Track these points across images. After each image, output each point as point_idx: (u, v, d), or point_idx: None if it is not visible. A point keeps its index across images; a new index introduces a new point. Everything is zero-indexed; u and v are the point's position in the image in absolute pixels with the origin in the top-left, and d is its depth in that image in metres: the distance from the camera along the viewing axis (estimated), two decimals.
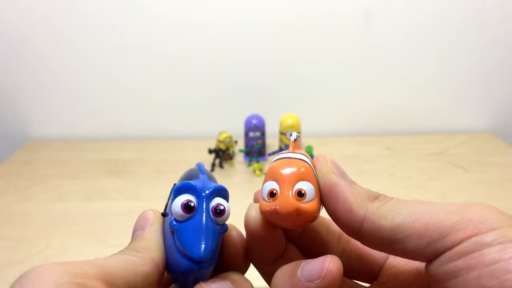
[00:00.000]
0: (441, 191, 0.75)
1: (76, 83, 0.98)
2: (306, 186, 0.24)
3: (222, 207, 0.24)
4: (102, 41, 0.94)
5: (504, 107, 1.00)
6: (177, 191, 0.24)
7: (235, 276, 0.24)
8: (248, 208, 0.25)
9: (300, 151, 0.26)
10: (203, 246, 0.23)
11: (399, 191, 0.74)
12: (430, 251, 0.21)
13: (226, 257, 0.26)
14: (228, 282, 0.24)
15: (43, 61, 0.96)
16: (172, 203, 0.24)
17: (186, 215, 0.23)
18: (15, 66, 0.96)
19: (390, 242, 0.22)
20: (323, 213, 0.25)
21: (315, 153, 0.88)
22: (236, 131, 0.94)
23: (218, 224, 0.24)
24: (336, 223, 0.25)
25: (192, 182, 0.24)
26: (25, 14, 0.92)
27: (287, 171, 0.24)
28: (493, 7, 0.92)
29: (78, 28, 0.93)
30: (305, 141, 0.95)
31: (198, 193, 0.24)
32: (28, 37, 0.94)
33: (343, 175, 0.25)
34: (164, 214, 0.26)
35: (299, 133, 0.86)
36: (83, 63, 0.96)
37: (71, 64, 0.96)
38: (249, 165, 0.85)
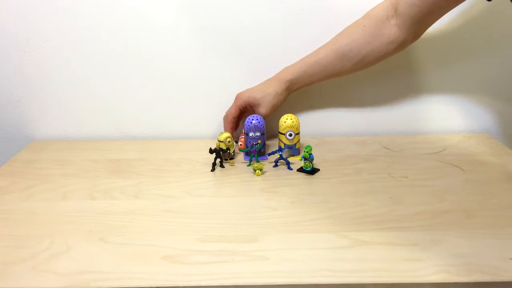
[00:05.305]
0: (437, 190, 0.76)
1: (79, 84, 0.99)
2: None
3: None
4: (104, 42, 0.96)
5: (499, 107, 1.02)
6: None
7: None
8: None
9: None
10: None
11: (396, 190, 0.75)
12: None
13: None
14: None
15: (47, 63, 0.97)
16: None
17: None
18: (19, 67, 0.98)
19: None
20: None
21: (314, 153, 0.89)
22: (236, 131, 0.96)
23: None
24: None
25: None
26: (28, 17, 0.93)
27: None
28: (487, 9, 0.93)
29: (80, 30, 0.95)
30: (304, 141, 0.96)
31: None
32: (31, 39, 0.95)
33: None
34: None
35: (298, 133, 0.88)
36: (86, 64, 0.98)
37: (74, 65, 0.98)
38: (249, 164, 0.87)
